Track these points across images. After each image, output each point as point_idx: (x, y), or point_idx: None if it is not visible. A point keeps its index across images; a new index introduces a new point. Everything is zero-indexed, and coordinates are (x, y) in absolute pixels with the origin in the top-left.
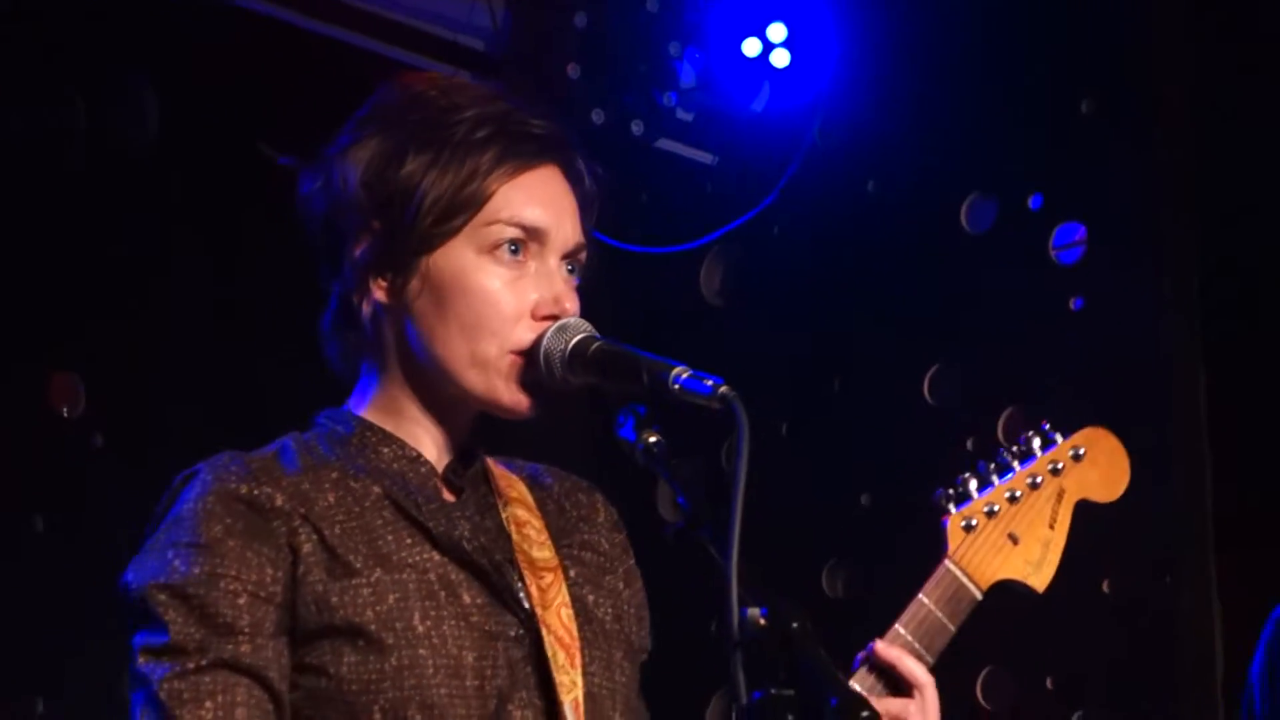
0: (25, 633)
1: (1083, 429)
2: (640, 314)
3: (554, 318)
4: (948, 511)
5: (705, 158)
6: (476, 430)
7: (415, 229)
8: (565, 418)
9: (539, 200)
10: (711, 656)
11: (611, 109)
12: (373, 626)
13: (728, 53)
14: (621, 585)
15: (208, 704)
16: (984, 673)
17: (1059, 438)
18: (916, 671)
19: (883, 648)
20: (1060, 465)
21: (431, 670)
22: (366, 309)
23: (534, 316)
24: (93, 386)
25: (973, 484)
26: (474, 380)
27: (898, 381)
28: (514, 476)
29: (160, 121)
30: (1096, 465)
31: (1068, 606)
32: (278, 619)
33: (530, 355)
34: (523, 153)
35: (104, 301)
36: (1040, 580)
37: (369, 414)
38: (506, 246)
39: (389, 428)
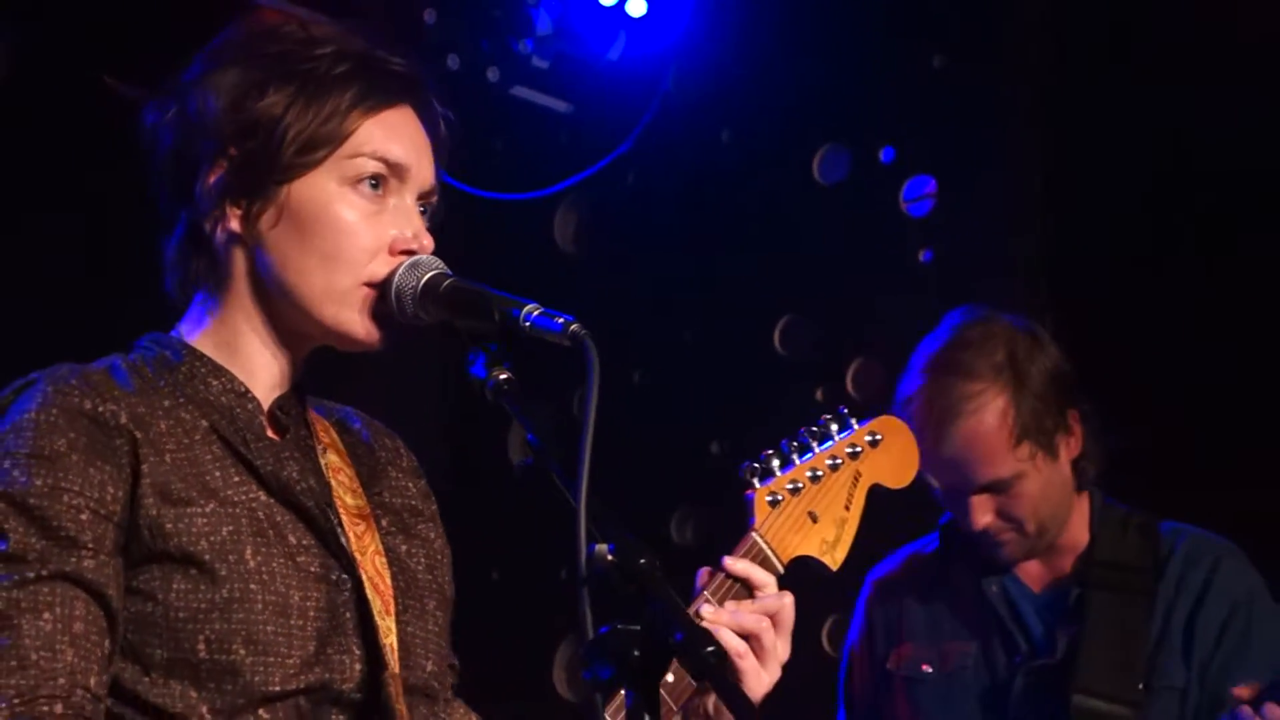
0: None
1: (879, 417)
2: (494, 261)
3: (410, 253)
4: (752, 486)
5: (560, 105)
6: (308, 369)
7: (277, 159)
8: (418, 365)
9: (400, 137)
10: (561, 600)
11: (467, 55)
12: (206, 556)
13: (584, 1)
14: (433, 534)
15: (46, 615)
16: (829, 622)
17: (855, 424)
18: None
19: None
20: (858, 449)
21: (260, 606)
22: (219, 236)
23: (390, 251)
24: None
25: (775, 462)
26: (328, 312)
27: (749, 331)
28: (326, 421)
29: (7, 61)
30: (890, 453)
31: None
32: (116, 538)
33: (382, 289)
34: (384, 90)
35: None
36: (834, 559)
37: (200, 343)
38: (367, 181)
39: (220, 359)
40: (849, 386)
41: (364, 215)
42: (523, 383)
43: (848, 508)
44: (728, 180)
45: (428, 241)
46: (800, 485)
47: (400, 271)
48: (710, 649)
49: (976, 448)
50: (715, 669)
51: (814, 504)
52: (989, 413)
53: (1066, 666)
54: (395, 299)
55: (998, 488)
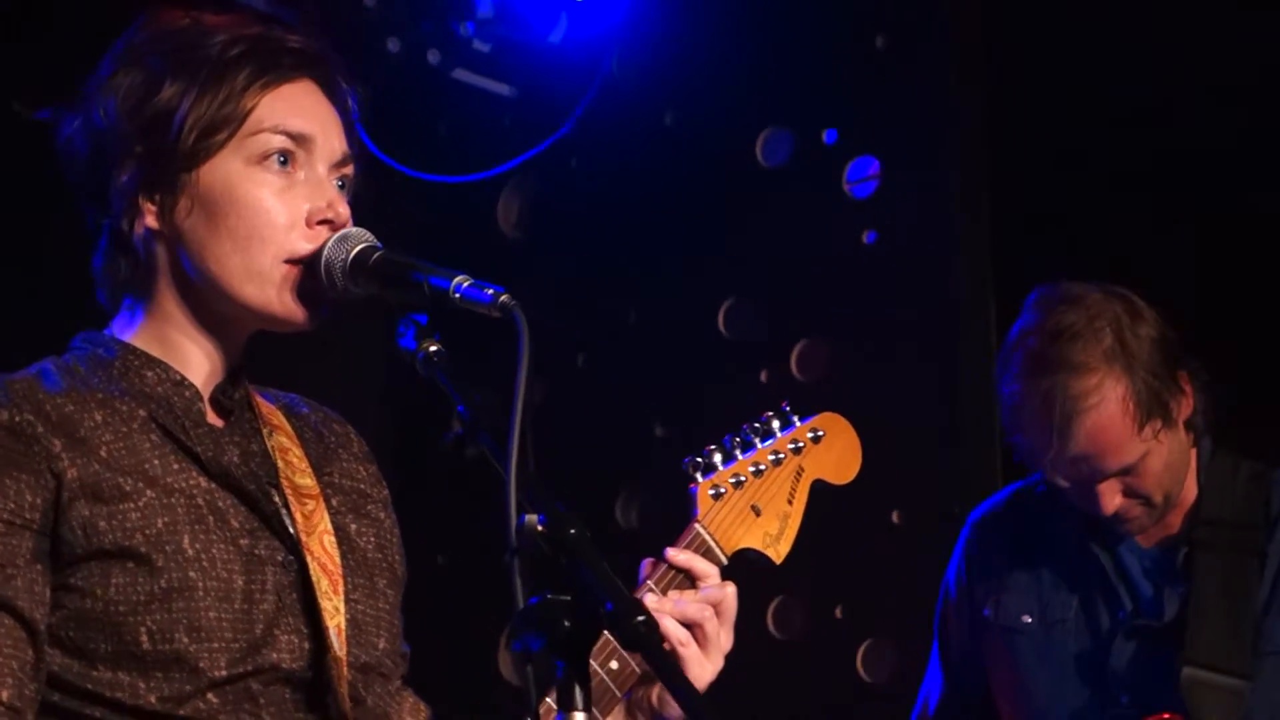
0: None
1: (821, 413)
2: (437, 243)
3: (328, 223)
4: (695, 479)
5: (502, 89)
6: (247, 356)
7: (179, 147)
8: (363, 352)
9: (300, 110)
10: (505, 584)
11: (408, 38)
12: (143, 549)
13: None
14: (383, 515)
15: None
16: (775, 603)
17: (797, 420)
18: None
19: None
20: (801, 445)
21: (201, 593)
22: (138, 234)
23: (308, 224)
24: None
25: (717, 456)
26: (250, 293)
27: (693, 314)
28: (272, 405)
29: None
30: (833, 449)
31: (859, 537)
32: (34, 546)
33: (310, 266)
34: (279, 66)
35: None
36: (778, 553)
37: (134, 340)
38: (275, 157)
39: (155, 354)
40: (794, 369)
41: (275, 191)
42: (455, 358)
43: (790, 502)
44: (671, 163)
45: (344, 210)
46: (743, 479)
47: (329, 246)
48: (641, 619)
49: (1103, 440)
50: (646, 639)
51: (757, 498)
52: (1111, 404)
53: (1173, 630)
54: (325, 273)
55: (1125, 471)
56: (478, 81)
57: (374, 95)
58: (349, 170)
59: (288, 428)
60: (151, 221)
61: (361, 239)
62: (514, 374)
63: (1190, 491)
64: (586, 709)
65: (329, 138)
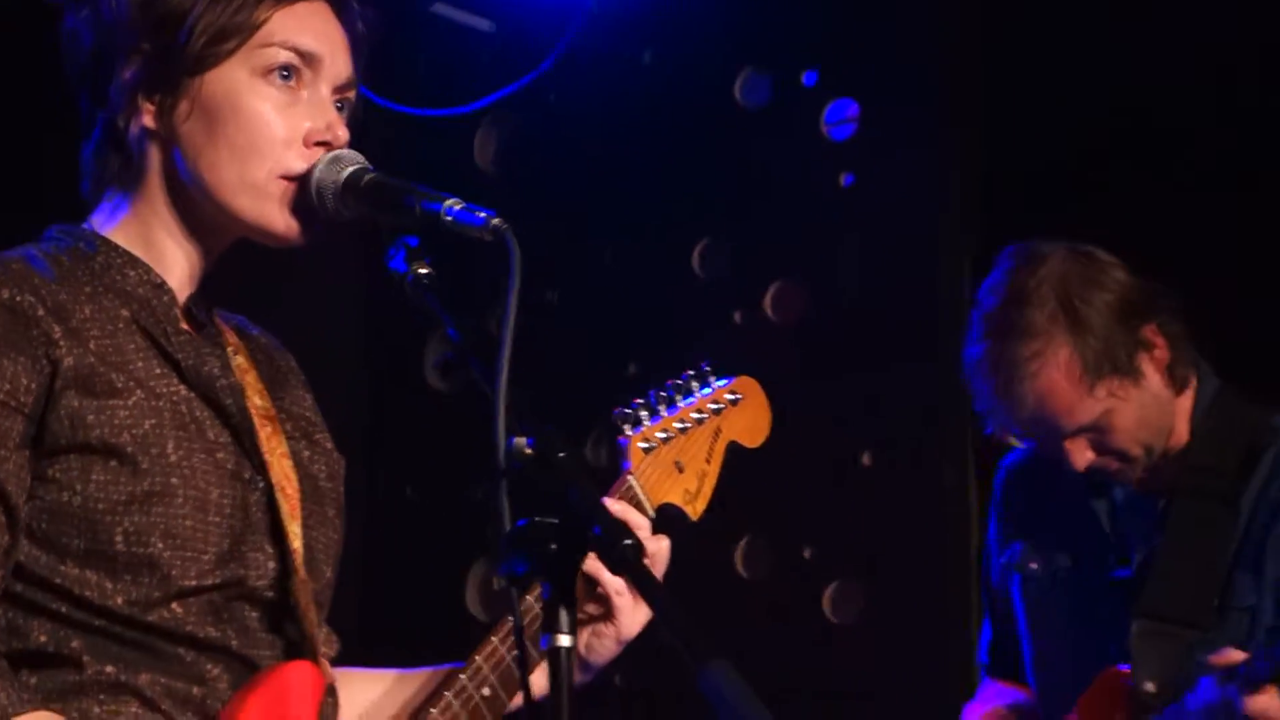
0: None
1: (739, 377)
2: (414, 177)
3: (326, 145)
4: (624, 432)
5: (483, 24)
6: (217, 269)
7: (187, 50)
8: (338, 284)
9: (311, 28)
10: (477, 521)
11: None
12: (129, 449)
13: None
14: (329, 446)
15: None
16: (742, 543)
17: (715, 382)
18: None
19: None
20: (720, 406)
21: (180, 500)
22: (134, 132)
23: (306, 143)
24: None
25: (644, 412)
26: (244, 205)
27: (668, 253)
28: (226, 326)
29: None
30: (746, 412)
31: (828, 479)
32: (24, 430)
33: (302, 184)
34: None
35: None
36: (695, 510)
37: (114, 236)
38: (279, 72)
39: (135, 252)
40: (767, 310)
41: (276, 106)
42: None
43: (708, 461)
44: (649, 101)
45: (343, 133)
46: (670, 435)
47: (321, 166)
48: (628, 542)
49: (1052, 403)
50: (633, 562)
51: (680, 454)
52: (1053, 368)
53: (1142, 582)
54: (316, 193)
55: (1088, 429)
56: (458, 16)
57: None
58: (351, 95)
59: (244, 349)
60: (149, 121)
61: (353, 160)
62: (504, 297)
63: (1184, 437)
64: (571, 631)
65: (336, 60)
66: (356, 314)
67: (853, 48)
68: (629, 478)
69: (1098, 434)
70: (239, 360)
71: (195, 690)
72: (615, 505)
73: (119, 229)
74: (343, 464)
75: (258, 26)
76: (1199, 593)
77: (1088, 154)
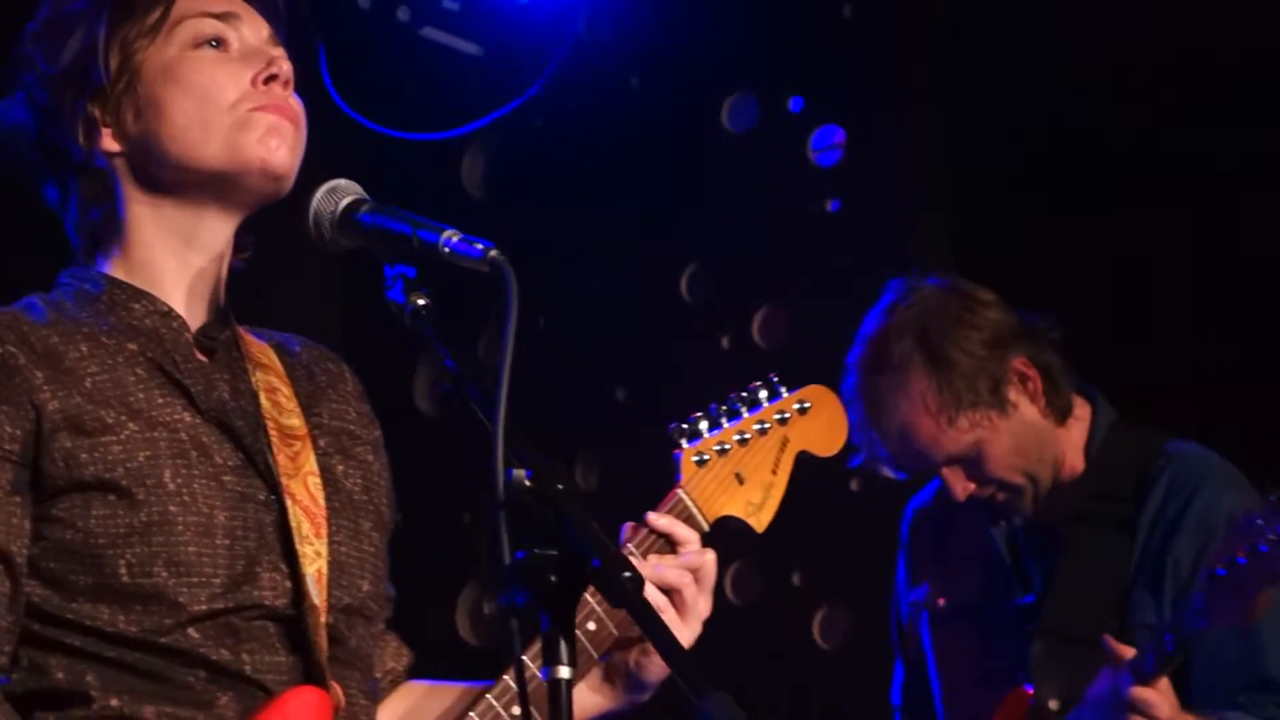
0: None
1: (809, 385)
2: (402, 202)
3: (274, 79)
4: (680, 445)
5: (471, 48)
6: (229, 291)
7: (109, 63)
8: (321, 308)
9: None
10: (465, 545)
11: None
12: (124, 482)
13: None
14: (371, 457)
15: None
16: (732, 568)
17: (784, 391)
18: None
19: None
20: (787, 416)
21: (181, 527)
22: (101, 162)
23: (253, 85)
24: None
25: (703, 424)
26: (215, 152)
27: (656, 278)
28: (263, 344)
29: None
30: (818, 420)
31: (817, 505)
32: (14, 477)
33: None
34: None
35: None
36: (760, 521)
37: (116, 271)
38: (207, 43)
39: (138, 283)
40: (755, 335)
41: (212, 63)
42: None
43: (775, 472)
44: (636, 126)
45: (286, 65)
46: (728, 447)
47: (318, 198)
48: (627, 574)
49: (914, 437)
50: (632, 595)
51: (741, 466)
52: (909, 403)
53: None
54: (314, 224)
55: (957, 460)
56: (446, 40)
57: (343, 51)
58: (280, 52)
59: (278, 366)
60: (110, 145)
61: (351, 191)
62: (501, 329)
63: (1078, 465)
64: (571, 663)
65: (252, 14)
66: (335, 339)
67: (839, 75)
68: (679, 491)
69: (972, 464)
70: (268, 379)
71: (201, 719)
72: (661, 520)
73: (120, 263)
74: (386, 476)
75: (168, 10)
76: (1098, 612)
77: (1069, 184)
